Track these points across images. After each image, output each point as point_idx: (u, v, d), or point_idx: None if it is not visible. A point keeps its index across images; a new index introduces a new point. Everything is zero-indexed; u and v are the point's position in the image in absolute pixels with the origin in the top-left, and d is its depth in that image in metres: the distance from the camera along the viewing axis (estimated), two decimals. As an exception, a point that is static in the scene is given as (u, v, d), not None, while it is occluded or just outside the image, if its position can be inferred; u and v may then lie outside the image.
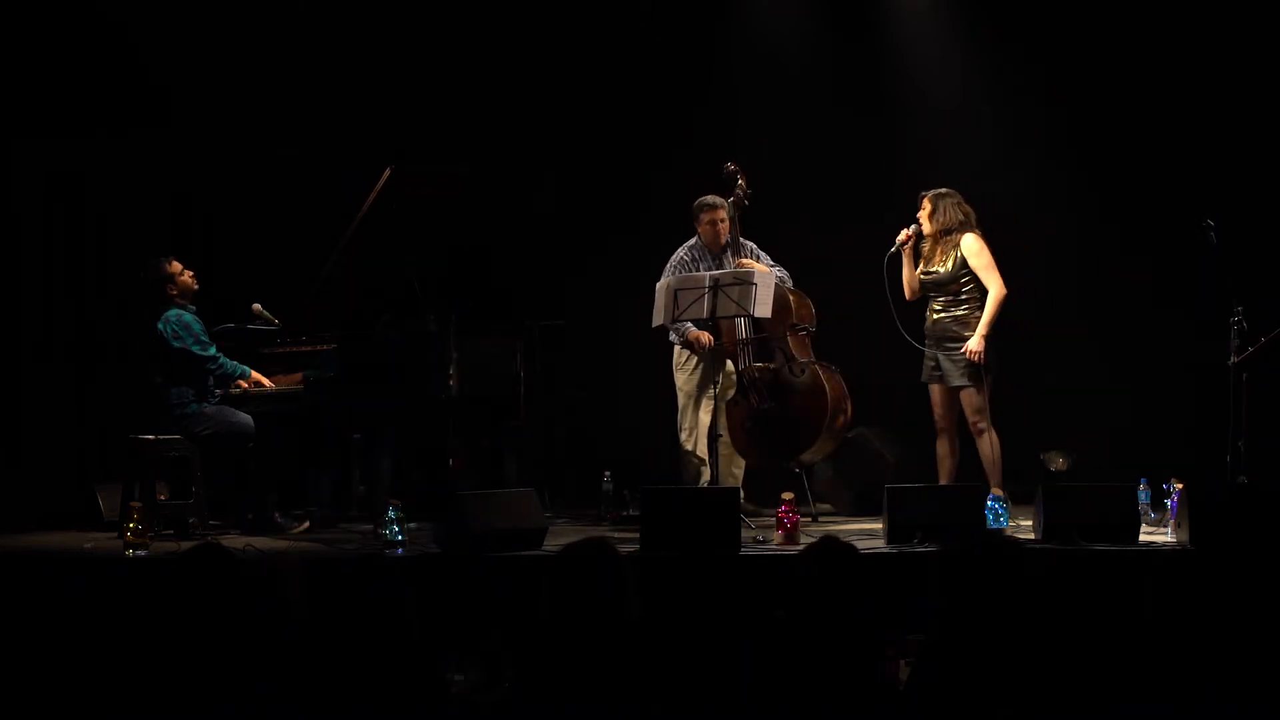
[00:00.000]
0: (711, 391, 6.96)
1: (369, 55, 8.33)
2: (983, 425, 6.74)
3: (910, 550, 5.54)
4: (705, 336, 7.03)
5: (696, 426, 7.17)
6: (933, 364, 6.85)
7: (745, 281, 6.58)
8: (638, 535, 5.71)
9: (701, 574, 5.38)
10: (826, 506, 7.48)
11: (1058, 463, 7.62)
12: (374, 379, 6.76)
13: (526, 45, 8.49)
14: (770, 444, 7.12)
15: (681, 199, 7.38)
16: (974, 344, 6.68)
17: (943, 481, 6.76)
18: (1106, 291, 8.25)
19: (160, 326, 6.71)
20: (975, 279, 6.76)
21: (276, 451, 6.75)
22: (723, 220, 7.17)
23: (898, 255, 6.90)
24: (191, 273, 6.86)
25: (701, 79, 8.61)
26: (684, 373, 7.24)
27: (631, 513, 6.87)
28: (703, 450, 7.07)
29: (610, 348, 8.44)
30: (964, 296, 6.79)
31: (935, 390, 6.89)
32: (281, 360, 7.01)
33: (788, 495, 5.91)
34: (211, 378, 6.79)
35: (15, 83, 7.63)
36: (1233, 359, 6.57)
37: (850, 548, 3.56)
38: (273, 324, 7.13)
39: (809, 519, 6.69)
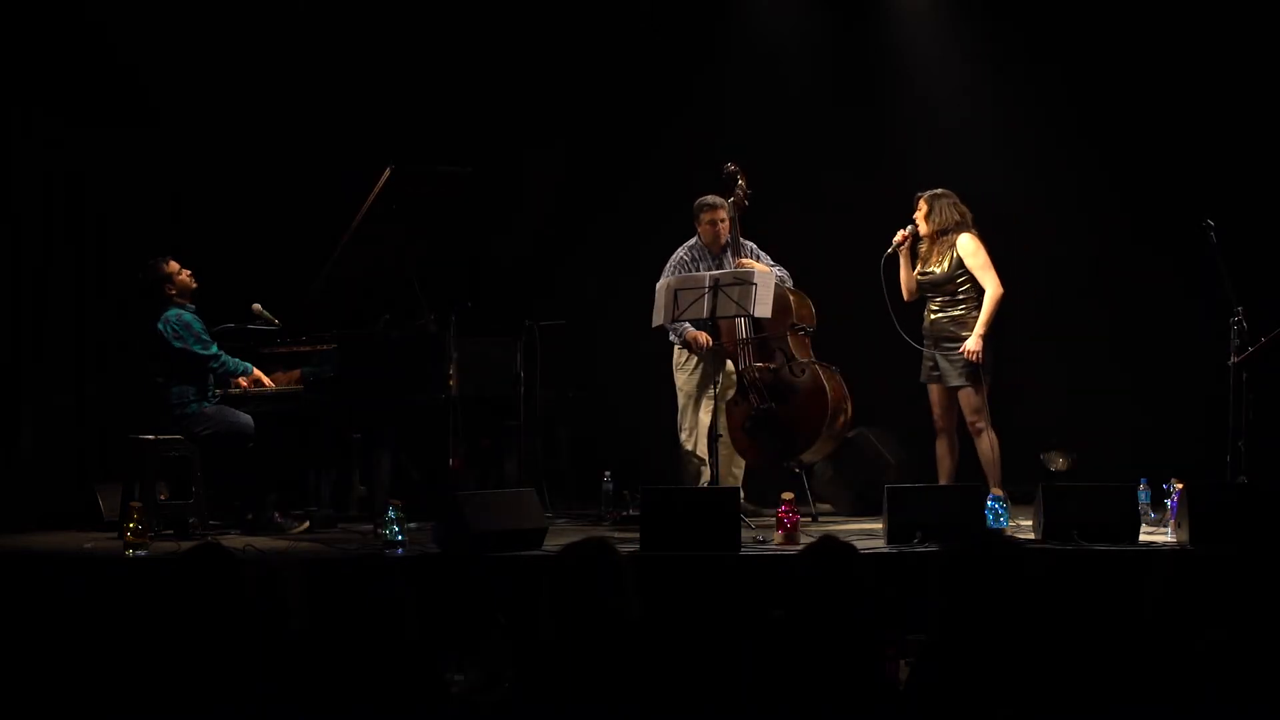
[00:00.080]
0: (711, 391, 6.96)
1: (368, 55, 8.34)
2: (981, 425, 6.74)
3: (910, 550, 5.54)
4: (703, 337, 7.04)
5: (696, 426, 7.18)
6: (931, 364, 6.86)
7: (745, 281, 6.59)
8: (638, 535, 5.70)
9: (701, 574, 5.38)
10: (826, 506, 7.49)
11: (1058, 463, 7.62)
12: (374, 379, 6.76)
13: (527, 45, 8.50)
14: (770, 444, 7.12)
15: (682, 199, 7.38)
16: (972, 344, 6.68)
17: (942, 481, 6.76)
18: (1107, 291, 8.26)
19: (160, 326, 6.71)
20: (972, 279, 6.76)
21: (276, 451, 6.75)
22: (723, 220, 7.17)
23: (895, 256, 6.91)
24: (189, 272, 6.86)
25: (702, 79, 8.61)
26: (684, 373, 7.25)
27: (631, 513, 6.87)
28: (703, 450, 7.07)
29: (610, 348, 8.44)
30: (961, 296, 6.79)
31: (934, 390, 6.89)
32: (281, 360, 7.02)
33: (788, 495, 5.91)
34: (213, 376, 6.79)
35: (14, 83, 7.62)
36: (1233, 359, 6.57)
37: (850, 548, 3.55)
38: (273, 324, 7.14)
39: (809, 519, 6.70)
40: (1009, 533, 5.88)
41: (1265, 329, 6.53)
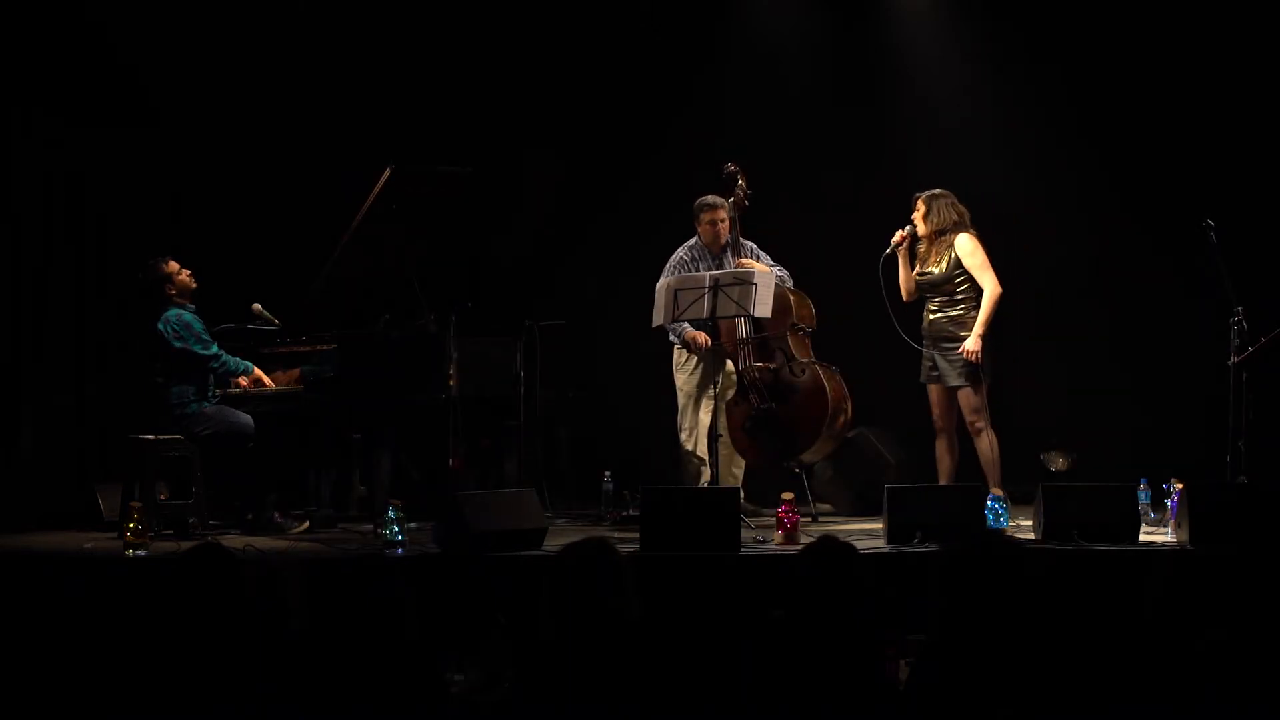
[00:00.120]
0: (711, 391, 6.96)
1: (368, 55, 8.34)
2: (980, 425, 6.74)
3: (910, 550, 5.54)
4: (701, 336, 7.04)
5: (696, 426, 7.18)
6: (930, 364, 6.86)
7: (745, 281, 6.58)
8: (638, 535, 5.70)
9: (701, 574, 5.38)
10: (826, 506, 7.49)
11: (1058, 463, 7.62)
12: (374, 379, 6.76)
13: (527, 46, 8.50)
14: (770, 444, 7.11)
15: (682, 199, 7.38)
16: (970, 344, 6.68)
17: (942, 481, 6.76)
18: (1107, 291, 8.26)
19: (160, 327, 6.71)
20: (970, 279, 6.76)
21: (276, 451, 6.75)
22: (723, 220, 7.17)
23: (893, 257, 6.91)
24: (189, 272, 6.86)
25: (702, 79, 8.61)
26: (684, 373, 7.25)
27: (631, 513, 6.87)
28: (703, 450, 7.07)
29: (610, 348, 8.44)
30: (959, 297, 6.79)
31: (933, 390, 6.89)
32: (281, 360, 7.01)
33: (788, 495, 5.91)
34: (213, 376, 6.79)
35: (14, 83, 7.62)
36: (1233, 359, 6.57)
37: (850, 548, 3.55)
38: (273, 324, 7.14)
39: (809, 519, 6.70)
40: (1009, 533, 5.89)
41: (1265, 329, 6.53)
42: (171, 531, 6.50)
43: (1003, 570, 3.31)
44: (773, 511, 6.05)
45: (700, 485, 6.97)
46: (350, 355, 6.78)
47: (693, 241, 7.28)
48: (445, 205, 7.06)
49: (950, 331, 6.78)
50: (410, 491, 6.77)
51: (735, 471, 7.26)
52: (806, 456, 7.16)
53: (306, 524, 6.73)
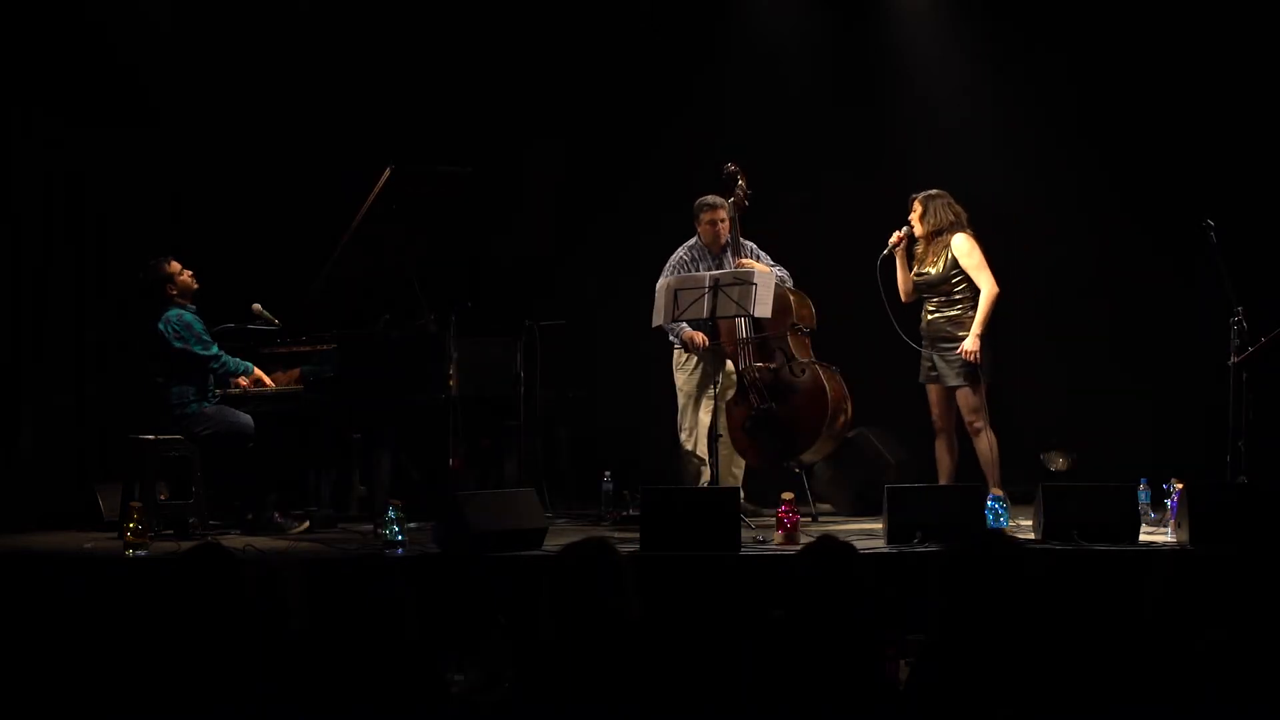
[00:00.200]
0: (711, 391, 6.96)
1: (368, 55, 8.34)
2: (979, 425, 6.75)
3: (910, 550, 5.54)
4: (699, 336, 7.05)
5: (696, 426, 7.18)
6: (929, 364, 6.86)
7: (745, 281, 6.59)
8: (638, 535, 5.70)
9: (701, 574, 5.38)
10: (826, 506, 7.48)
11: (1058, 463, 7.63)
12: (374, 379, 6.77)
13: (527, 45, 8.50)
14: (770, 444, 7.11)
15: (682, 199, 7.38)
16: (969, 344, 6.68)
17: (942, 481, 6.76)
18: (1107, 291, 8.26)
19: (161, 327, 6.71)
20: (967, 279, 6.76)
21: (276, 451, 6.75)
22: (723, 220, 7.18)
23: (891, 258, 6.91)
24: (190, 272, 6.86)
25: (702, 79, 8.61)
26: (684, 373, 7.25)
27: (631, 513, 6.87)
28: (703, 450, 7.08)
29: (610, 348, 8.44)
30: (957, 297, 6.79)
31: (933, 391, 6.89)
32: (281, 360, 7.01)
33: (788, 495, 5.91)
34: (213, 376, 6.79)
35: (14, 83, 7.62)
36: (1233, 359, 6.57)
37: (850, 548, 3.55)
38: (273, 324, 7.14)
39: (809, 519, 6.70)
40: (1009, 533, 5.89)
41: (1265, 329, 6.53)
42: (171, 531, 6.50)
43: (1003, 570, 3.31)
44: (773, 511, 6.05)
45: (700, 485, 6.97)
46: (350, 355, 6.78)
47: (693, 241, 7.28)
48: (445, 205, 7.07)
49: (948, 332, 6.78)
50: (410, 491, 6.77)
51: (735, 471, 7.26)
52: (806, 456, 7.16)
53: (306, 524, 6.73)
